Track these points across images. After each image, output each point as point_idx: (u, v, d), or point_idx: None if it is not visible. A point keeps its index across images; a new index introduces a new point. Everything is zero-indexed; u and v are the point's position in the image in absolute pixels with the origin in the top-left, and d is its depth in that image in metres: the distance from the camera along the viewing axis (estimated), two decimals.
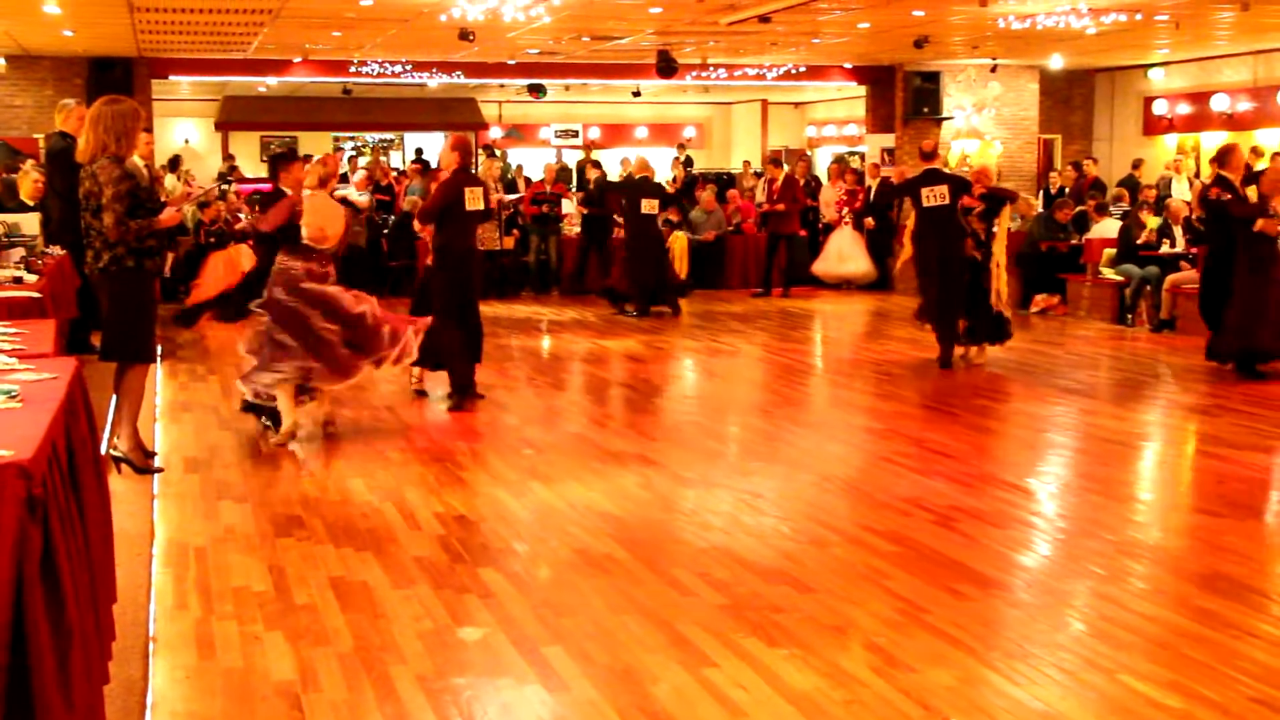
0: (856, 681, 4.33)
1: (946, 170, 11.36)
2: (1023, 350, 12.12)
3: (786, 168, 18.10)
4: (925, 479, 7.31)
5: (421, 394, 9.76)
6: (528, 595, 5.23)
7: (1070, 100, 21.89)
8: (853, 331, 13.63)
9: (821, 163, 24.82)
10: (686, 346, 13.21)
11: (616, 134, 28.86)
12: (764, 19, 14.02)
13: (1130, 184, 17.43)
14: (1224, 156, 10.97)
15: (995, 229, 11.12)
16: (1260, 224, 10.40)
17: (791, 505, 6.72)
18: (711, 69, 19.98)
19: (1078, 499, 6.95)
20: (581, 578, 5.48)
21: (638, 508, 6.62)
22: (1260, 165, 16.97)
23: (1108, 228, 14.94)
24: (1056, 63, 19.80)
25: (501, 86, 24.37)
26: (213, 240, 16.04)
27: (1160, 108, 20.68)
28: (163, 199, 7.51)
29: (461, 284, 9.22)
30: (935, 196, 10.99)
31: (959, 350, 11.36)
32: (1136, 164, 18.72)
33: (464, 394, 9.23)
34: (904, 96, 20.11)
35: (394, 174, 20.61)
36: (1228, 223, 10.61)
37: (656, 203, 15.20)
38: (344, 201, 9.25)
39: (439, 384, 9.65)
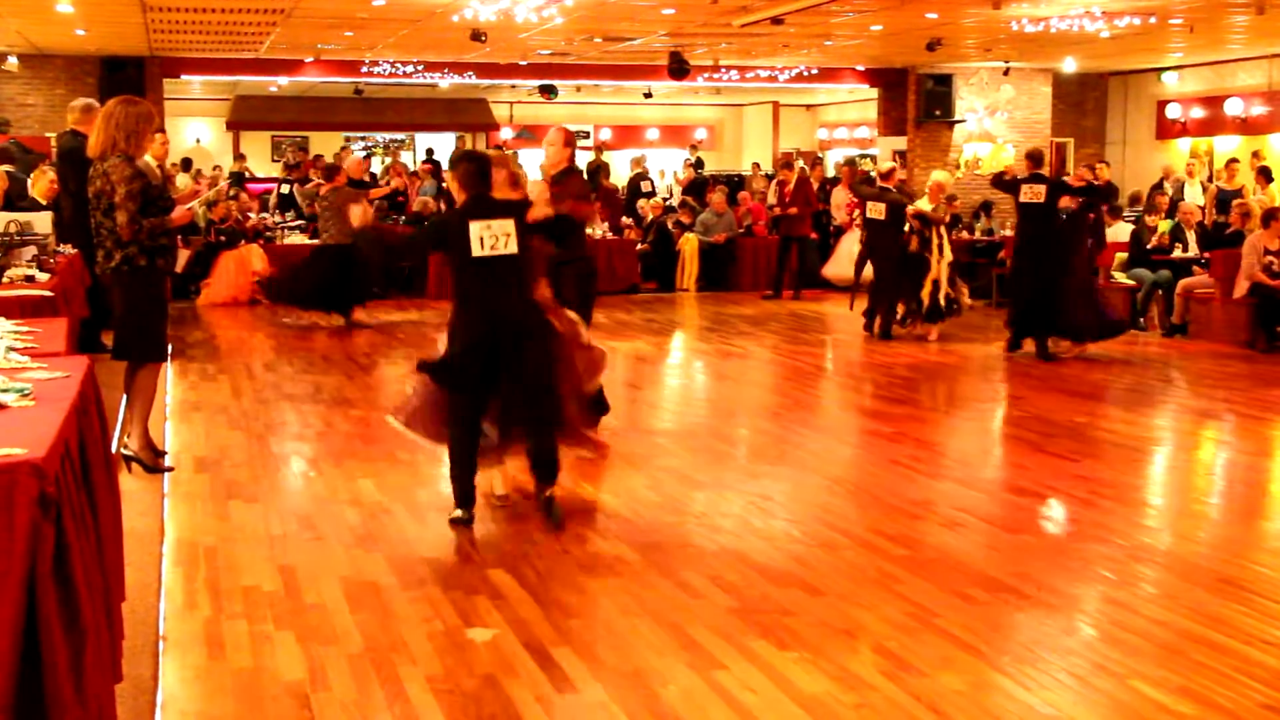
0: (866, 685, 4.33)
1: (894, 193, 13.40)
2: (1034, 354, 12.09)
3: (799, 168, 18.07)
4: (935, 482, 7.31)
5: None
6: (537, 597, 5.24)
7: (1083, 104, 21.87)
8: (863, 334, 13.61)
9: (833, 165, 24.81)
10: (696, 349, 13.21)
11: (628, 135, 28.88)
12: (776, 21, 14.02)
13: (1160, 188, 17.44)
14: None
15: (940, 235, 13.00)
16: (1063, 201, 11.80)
17: (801, 508, 6.73)
18: (723, 71, 19.99)
19: (1088, 503, 6.93)
20: (591, 579, 5.49)
21: (647, 510, 6.62)
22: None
23: (1120, 231, 14.91)
24: (1070, 66, 19.78)
25: (513, 87, 24.40)
26: (223, 239, 16.08)
27: (1174, 111, 20.65)
28: (174, 197, 7.53)
29: (591, 297, 8.12)
30: (876, 212, 13.21)
31: (917, 330, 13.24)
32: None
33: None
34: (916, 99, 20.10)
35: (407, 174, 20.62)
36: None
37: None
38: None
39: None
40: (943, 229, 13.07)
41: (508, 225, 6.15)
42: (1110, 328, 12.00)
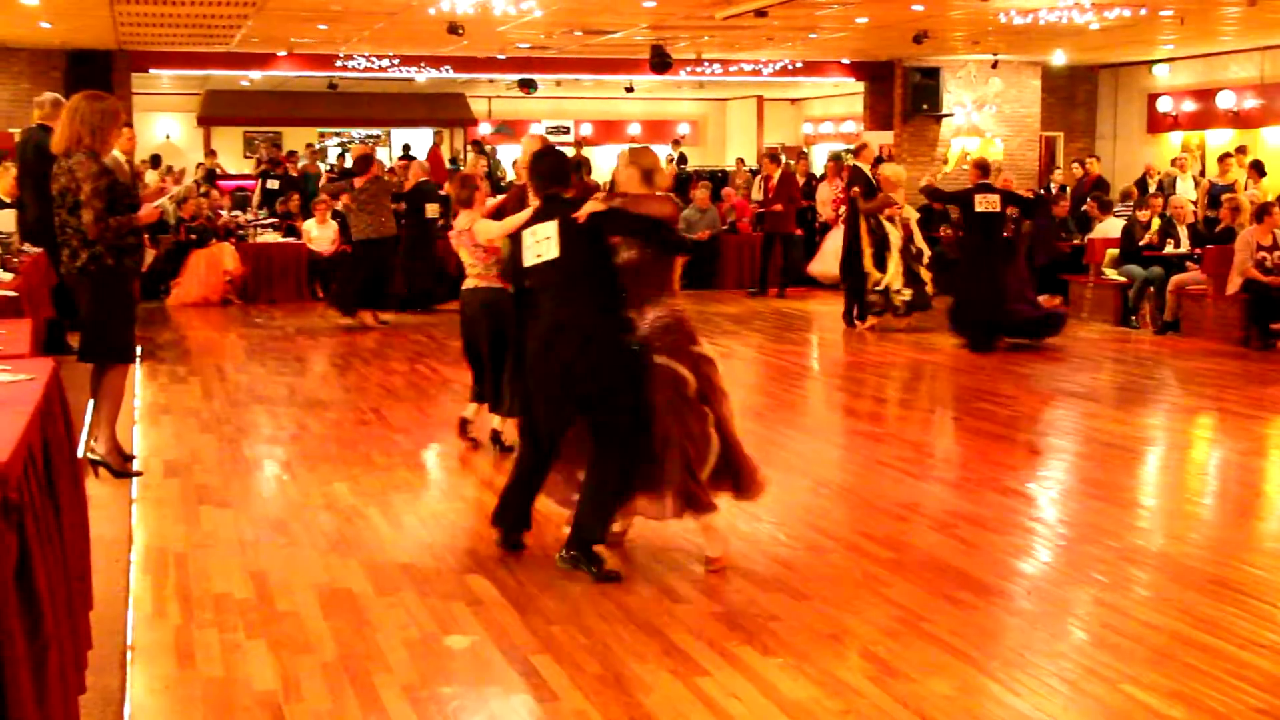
0: (853, 691, 4.33)
1: (860, 170, 14.12)
2: (1023, 353, 12.12)
3: (784, 163, 18.06)
4: (923, 484, 7.31)
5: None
6: (516, 602, 5.22)
7: (1073, 97, 21.96)
8: (849, 333, 13.63)
9: (818, 160, 24.84)
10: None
11: (609, 130, 28.88)
12: (760, 13, 14.03)
13: (1142, 184, 17.50)
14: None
15: (877, 226, 13.55)
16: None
17: (787, 511, 6.72)
18: (706, 64, 20.01)
19: (1079, 504, 6.95)
20: (571, 584, 5.47)
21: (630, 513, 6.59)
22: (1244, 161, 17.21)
23: (1111, 227, 14.95)
24: (1059, 59, 19.85)
25: (491, 81, 24.37)
26: (193, 238, 16.02)
27: (1165, 105, 20.74)
28: (141, 195, 7.49)
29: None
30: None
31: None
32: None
33: None
34: (903, 93, 20.14)
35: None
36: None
37: (438, 206, 15.07)
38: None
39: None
40: (897, 220, 13.53)
41: (549, 228, 5.62)
42: (1056, 322, 12.72)
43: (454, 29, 14.66)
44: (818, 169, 22.31)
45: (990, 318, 12.32)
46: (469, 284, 7.93)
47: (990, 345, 12.27)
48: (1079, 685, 4.38)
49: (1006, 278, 12.32)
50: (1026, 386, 10.54)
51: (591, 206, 5.68)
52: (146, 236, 7.98)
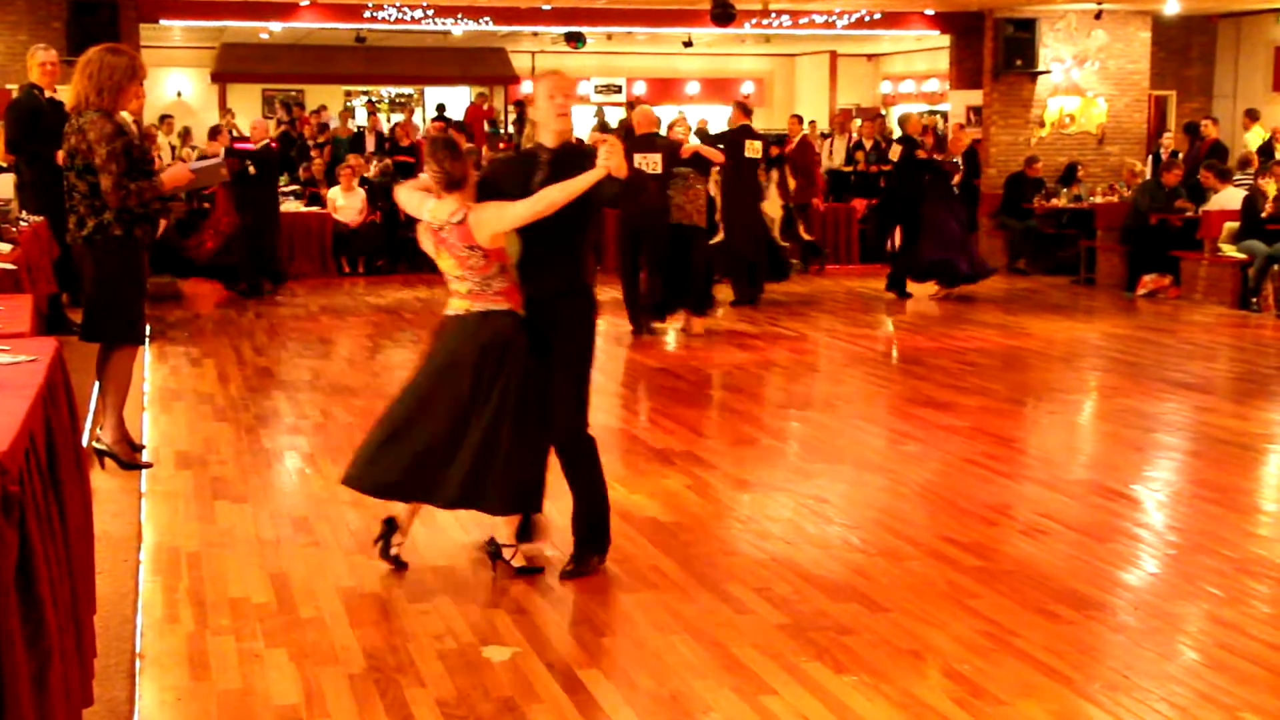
0: (935, 714, 4.32)
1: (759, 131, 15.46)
2: (1128, 339, 12.02)
3: (803, 126, 18.07)
4: (1015, 484, 7.27)
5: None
6: (563, 612, 5.25)
7: (1187, 51, 21.62)
8: (932, 315, 13.55)
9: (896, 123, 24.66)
10: (742, 331, 13.18)
11: (665, 89, 28.83)
12: None
13: (1266, 149, 17.20)
14: (903, 123, 15.97)
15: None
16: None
17: (861, 512, 6.71)
18: (774, 15, 19.90)
19: (1191, 509, 6.88)
20: (624, 592, 5.49)
21: (687, 513, 6.62)
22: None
23: (1229, 198, 14.74)
24: (1172, 7, 19.56)
25: (535, 35, 24.37)
26: (206, 206, 16.13)
27: None
28: (155, 158, 7.53)
29: None
30: (753, 150, 14.49)
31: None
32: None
33: None
34: (994, 47, 19.92)
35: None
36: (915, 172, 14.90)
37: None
38: None
39: None
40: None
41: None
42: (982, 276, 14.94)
43: None
44: (897, 132, 22.17)
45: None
46: (459, 307, 5.71)
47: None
48: (1190, 712, 4.35)
49: (949, 226, 14.43)
50: (1132, 376, 10.44)
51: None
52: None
